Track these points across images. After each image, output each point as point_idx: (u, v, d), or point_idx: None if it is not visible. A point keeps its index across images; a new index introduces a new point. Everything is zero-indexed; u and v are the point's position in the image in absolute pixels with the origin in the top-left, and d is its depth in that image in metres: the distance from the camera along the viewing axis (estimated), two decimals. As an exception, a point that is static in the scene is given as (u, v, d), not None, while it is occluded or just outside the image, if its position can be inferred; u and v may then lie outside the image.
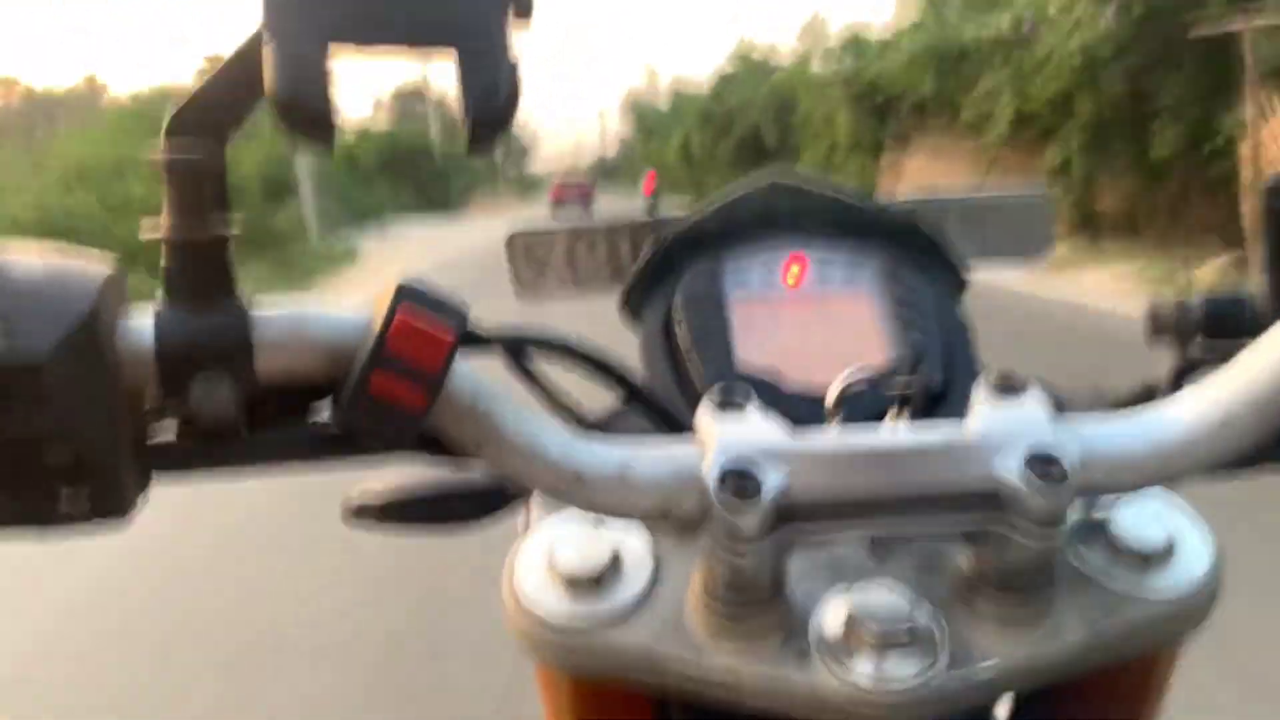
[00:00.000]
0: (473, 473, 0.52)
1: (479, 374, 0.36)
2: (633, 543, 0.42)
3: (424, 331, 0.33)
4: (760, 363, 0.53)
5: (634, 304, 0.60)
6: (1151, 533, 0.41)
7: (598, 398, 0.52)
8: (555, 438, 0.37)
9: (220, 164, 0.34)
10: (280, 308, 0.35)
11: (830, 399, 0.45)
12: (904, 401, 0.44)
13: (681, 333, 0.55)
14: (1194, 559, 0.41)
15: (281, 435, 0.36)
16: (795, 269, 0.57)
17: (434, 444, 0.37)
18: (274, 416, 0.36)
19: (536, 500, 0.47)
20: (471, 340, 0.39)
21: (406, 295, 0.33)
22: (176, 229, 0.33)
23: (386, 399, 0.33)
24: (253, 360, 0.34)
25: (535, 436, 0.36)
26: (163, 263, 0.33)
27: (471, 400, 0.35)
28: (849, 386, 0.46)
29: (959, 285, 0.60)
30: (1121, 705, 0.46)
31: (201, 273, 0.34)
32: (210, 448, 0.35)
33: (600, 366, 0.43)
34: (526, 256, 0.67)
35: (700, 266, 0.58)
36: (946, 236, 0.61)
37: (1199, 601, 0.40)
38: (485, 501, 0.50)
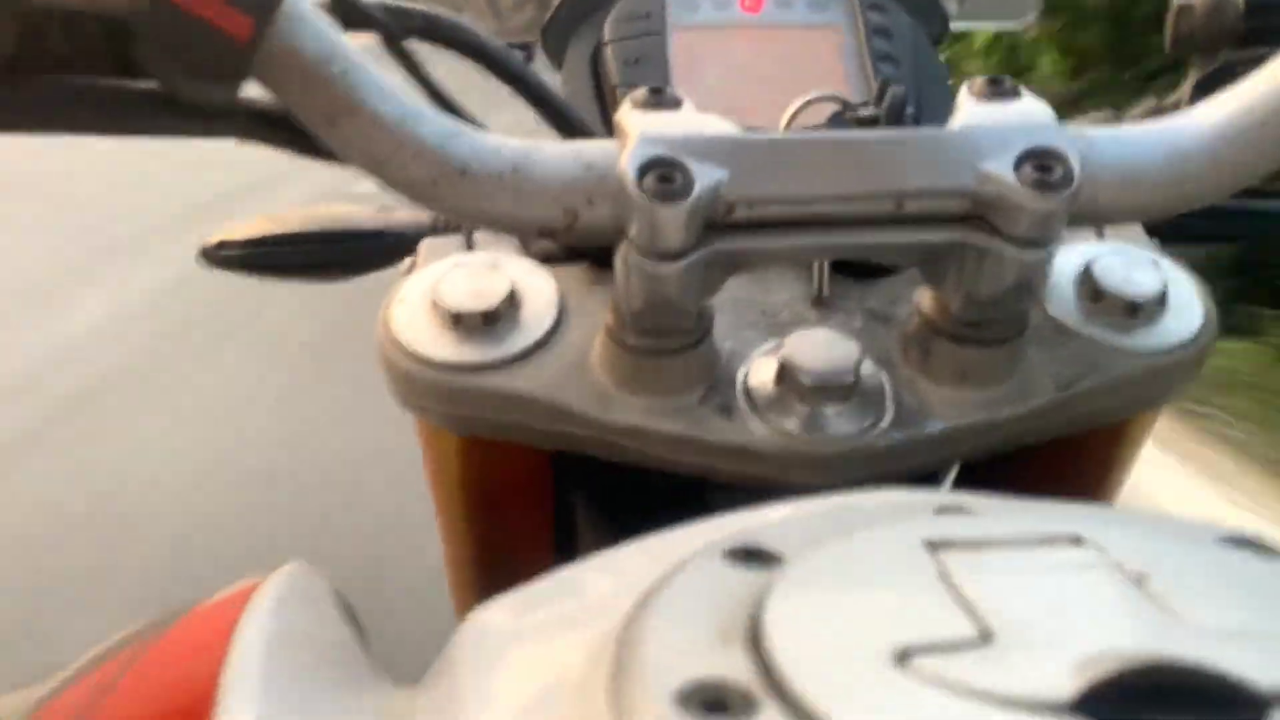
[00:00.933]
0: (358, 220, 0.44)
1: (338, 35, 0.28)
2: (536, 284, 0.36)
3: None
4: (704, 99, 0.44)
5: (557, 39, 0.51)
6: (1143, 279, 0.35)
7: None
8: (435, 121, 0.29)
9: None
10: None
11: (783, 123, 0.38)
12: (871, 125, 0.37)
13: (612, 63, 0.46)
14: (1185, 311, 0.35)
15: (71, 88, 0.28)
16: None
17: (277, 122, 0.29)
18: (60, 58, 0.28)
19: (427, 245, 0.39)
20: (343, 8, 0.31)
21: None
22: None
23: (202, 17, 0.25)
24: None
25: (408, 115, 0.28)
26: None
27: (322, 55, 0.27)
28: (803, 112, 0.38)
29: (940, 27, 0.52)
30: (1085, 472, 0.42)
31: None
32: None
33: (498, 62, 0.35)
34: None
35: None
36: None
37: (1188, 358, 0.35)
38: (370, 247, 0.43)
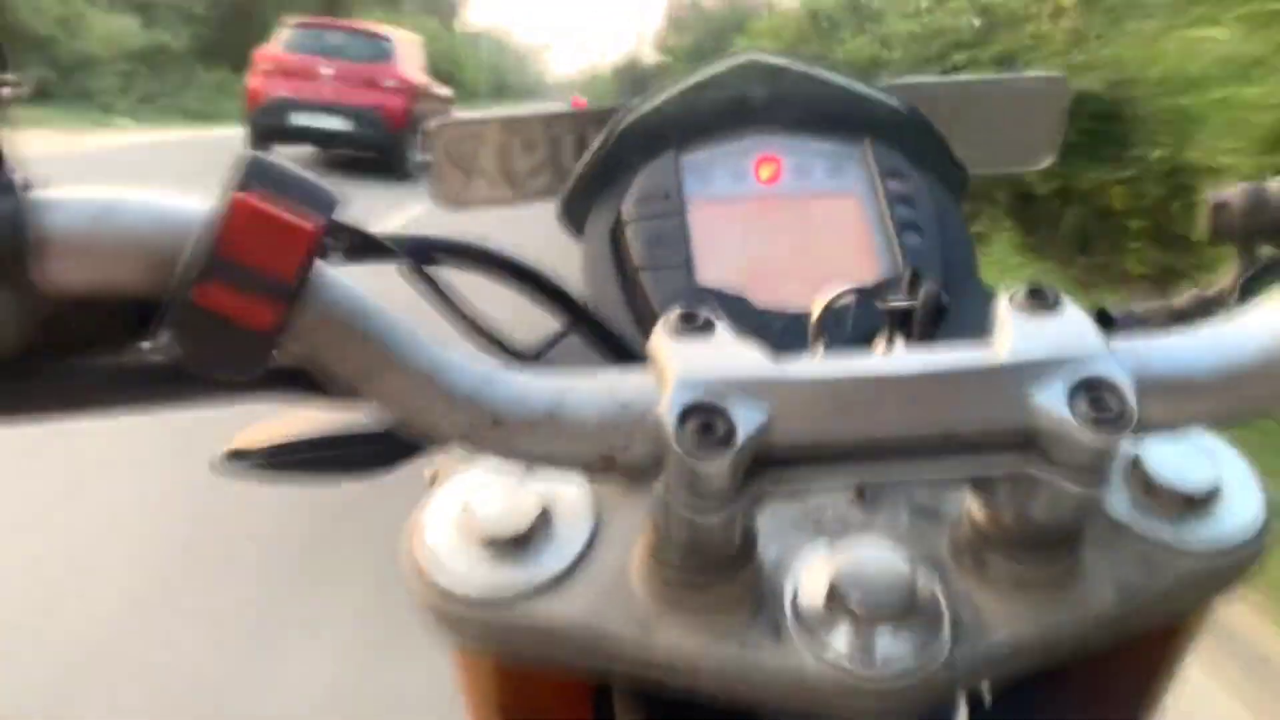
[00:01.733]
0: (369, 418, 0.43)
1: (361, 289, 0.27)
2: (567, 495, 0.34)
3: (274, 219, 0.24)
4: (727, 277, 0.44)
5: (576, 211, 0.51)
6: (1195, 471, 0.34)
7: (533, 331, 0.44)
8: (465, 369, 0.28)
9: None
10: (78, 190, 0.26)
11: (814, 318, 0.37)
12: (902, 320, 0.36)
13: (632, 243, 0.46)
14: (1241, 503, 0.34)
15: (87, 368, 0.27)
16: (770, 167, 0.49)
17: (302, 379, 0.29)
18: (80, 341, 0.27)
19: (451, 448, 0.38)
20: (358, 246, 0.30)
21: (251, 173, 0.24)
22: None
23: (223, 315, 0.24)
24: (33, 261, 0.25)
25: (438, 367, 0.28)
26: None
27: (349, 318, 0.26)
28: (836, 301, 0.37)
29: (960, 185, 0.51)
30: (1135, 675, 0.40)
31: None
32: None
33: (529, 278, 0.35)
34: (450, 155, 0.57)
35: (656, 163, 0.48)
36: (942, 133, 0.52)
37: (1246, 553, 0.33)
38: (391, 447, 0.42)
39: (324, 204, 0.25)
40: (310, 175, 0.25)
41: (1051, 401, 0.27)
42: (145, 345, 0.27)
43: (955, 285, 0.44)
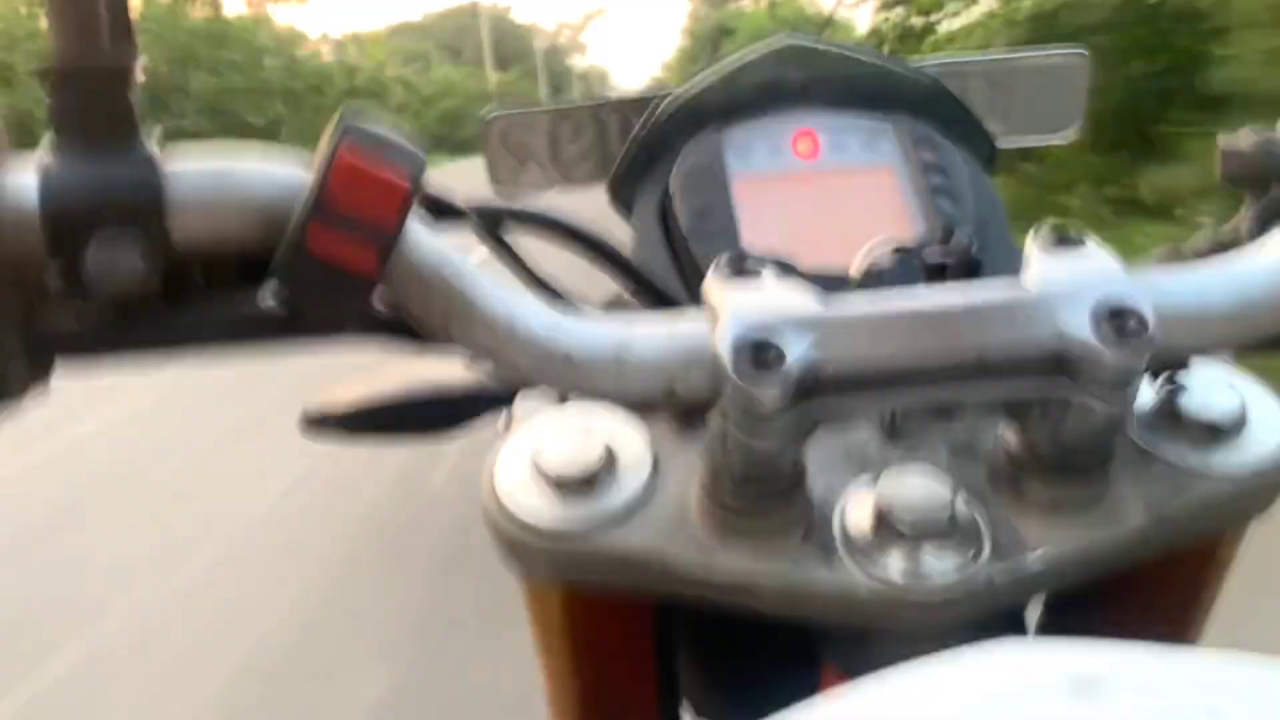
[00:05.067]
0: (452, 378, 0.46)
1: (448, 244, 0.31)
2: (628, 438, 0.37)
3: (372, 175, 0.27)
4: (771, 243, 0.47)
5: (624, 190, 0.54)
6: (1222, 401, 0.36)
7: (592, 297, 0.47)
8: (540, 314, 0.31)
9: None
10: (202, 156, 0.29)
11: (855, 271, 0.40)
12: (939, 272, 0.38)
13: (680, 216, 0.49)
14: (1267, 431, 0.36)
15: (208, 312, 0.31)
16: (806, 143, 0.51)
17: (395, 325, 0.32)
18: (199, 290, 0.30)
19: (520, 402, 0.41)
20: (438, 209, 0.34)
21: (350, 132, 0.28)
22: (65, 55, 0.27)
23: (330, 260, 0.27)
24: (164, 219, 0.28)
25: (516, 312, 0.31)
26: (48, 99, 0.27)
27: (435, 267, 0.30)
28: (876, 257, 0.40)
29: (989, 155, 0.54)
30: (1174, 598, 0.42)
31: (98, 111, 0.28)
32: (118, 326, 0.29)
33: (589, 242, 0.38)
34: (504, 143, 0.61)
35: (699, 141, 0.51)
36: (972, 107, 0.54)
37: (1272, 478, 0.35)
38: (465, 407, 0.45)
39: (413, 161, 0.28)
40: (400, 135, 0.28)
41: (1077, 326, 0.29)
42: (260, 294, 0.30)
43: (988, 246, 0.46)
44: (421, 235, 0.30)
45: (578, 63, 64.91)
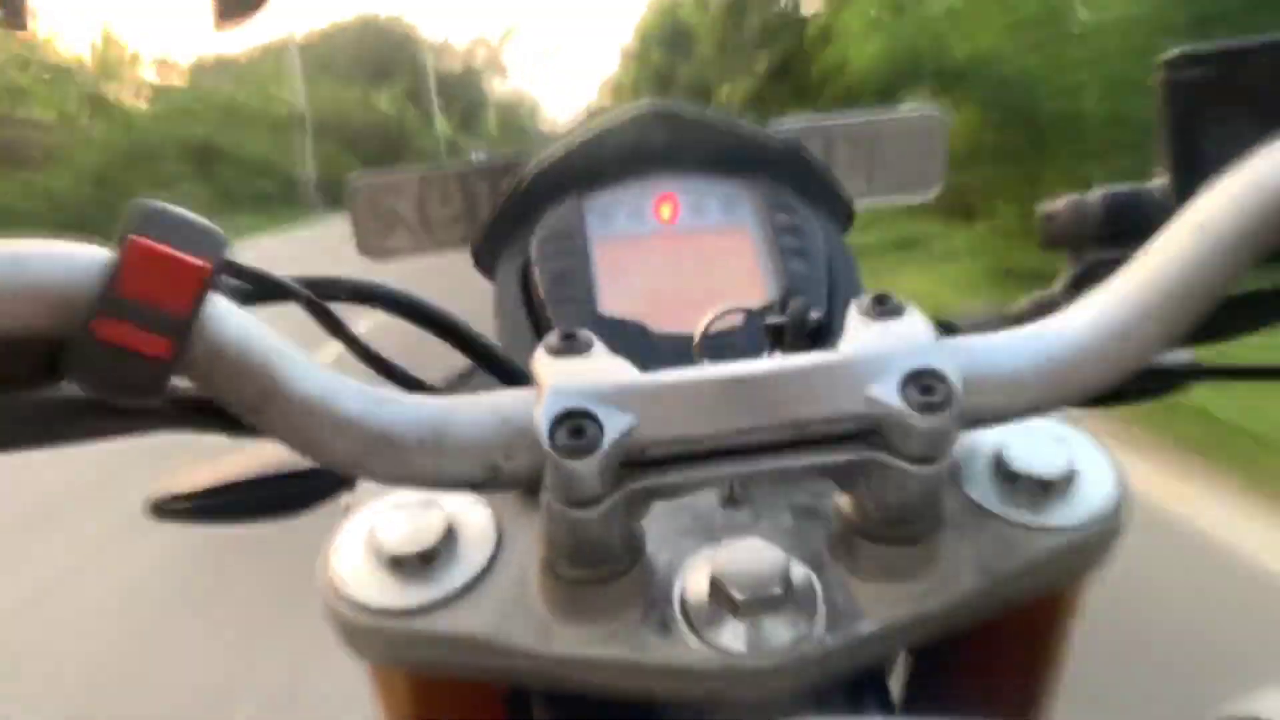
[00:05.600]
0: (295, 461, 0.45)
1: (257, 321, 0.30)
2: (472, 516, 0.37)
3: (166, 259, 0.27)
4: (627, 307, 0.47)
5: (488, 253, 0.54)
6: (1049, 458, 0.37)
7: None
8: (354, 395, 0.30)
9: None
10: None
11: (696, 337, 0.40)
12: (778, 336, 0.39)
13: (539, 281, 0.49)
14: (1097, 486, 0.37)
15: (6, 405, 0.29)
16: (667, 207, 0.52)
17: (209, 412, 0.31)
18: None
19: (363, 485, 0.40)
20: (265, 290, 0.33)
21: (143, 220, 0.27)
22: None
23: (122, 346, 0.27)
24: None
25: (328, 393, 0.30)
26: None
27: (241, 349, 0.29)
28: (716, 322, 0.40)
29: (846, 216, 0.55)
30: (1022, 654, 0.42)
31: None
32: None
33: (423, 315, 0.37)
34: (371, 207, 0.60)
35: (560, 207, 0.52)
36: (832, 167, 0.56)
37: (1104, 532, 0.36)
38: (313, 487, 0.44)
39: (214, 243, 0.28)
40: (199, 218, 0.28)
41: (886, 392, 0.30)
42: (57, 384, 0.29)
43: (838, 308, 0.47)
44: (227, 316, 0.29)
45: (497, 87, 56.16)
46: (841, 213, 0.55)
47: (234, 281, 0.31)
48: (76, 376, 0.27)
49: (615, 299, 0.48)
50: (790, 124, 0.61)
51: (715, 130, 0.54)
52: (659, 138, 0.54)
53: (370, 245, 0.61)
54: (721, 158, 0.53)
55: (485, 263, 0.54)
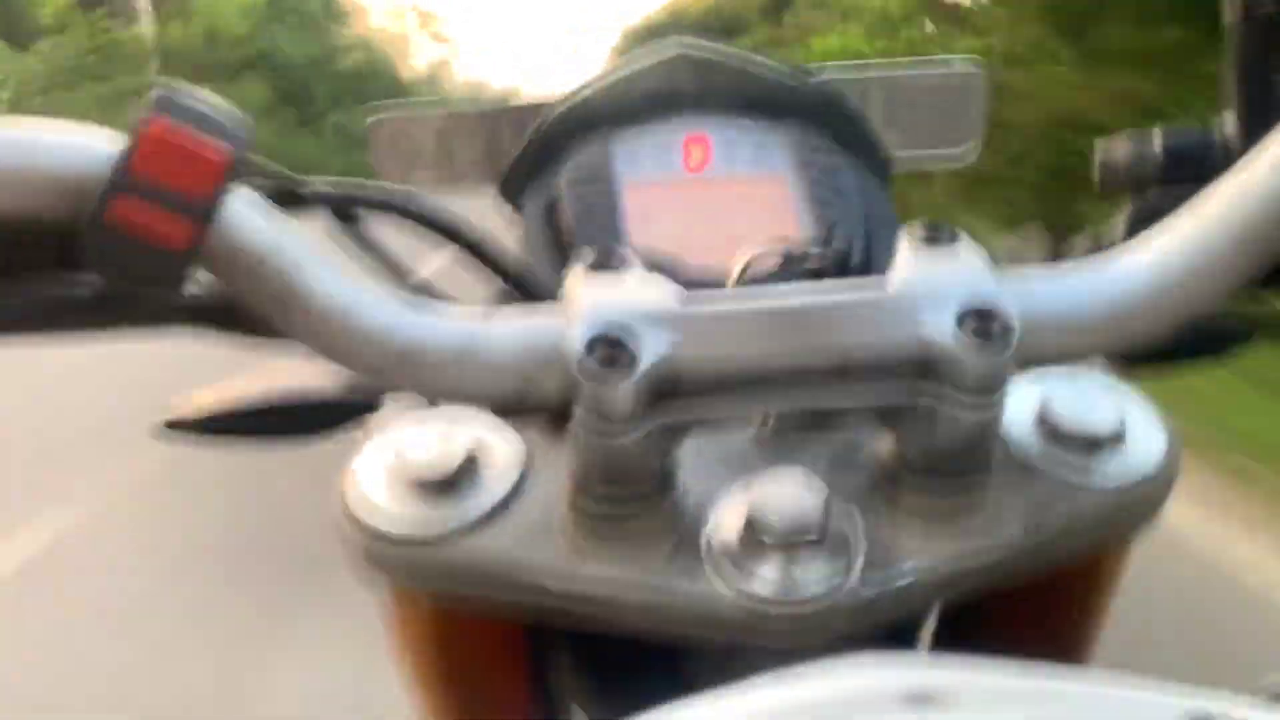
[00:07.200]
0: (319, 383, 0.44)
1: (282, 224, 0.28)
2: (498, 440, 0.35)
3: (185, 145, 0.25)
4: (657, 247, 0.45)
5: (514, 191, 0.52)
6: (1100, 413, 0.35)
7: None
8: (380, 305, 0.29)
9: None
10: (2, 125, 0.27)
11: (732, 276, 0.39)
12: (816, 276, 0.37)
13: (566, 218, 0.47)
14: (1147, 443, 0.35)
15: (15, 296, 0.28)
16: (697, 151, 0.50)
17: (225, 316, 0.29)
18: (5, 272, 0.28)
19: (386, 408, 0.39)
20: (280, 192, 0.31)
21: (162, 102, 0.25)
22: None
23: (138, 234, 0.25)
24: None
25: (352, 302, 0.28)
26: None
27: (263, 247, 0.27)
28: (754, 261, 0.39)
29: (884, 171, 0.53)
30: (1063, 615, 0.41)
31: None
32: None
33: (450, 231, 0.36)
34: (392, 144, 0.58)
35: (588, 146, 0.50)
36: (869, 120, 0.54)
37: (1153, 490, 0.35)
38: (330, 412, 0.42)
39: (235, 133, 0.26)
40: (223, 102, 0.26)
41: (940, 328, 0.28)
42: (71, 274, 0.28)
43: (878, 257, 0.45)
44: (250, 214, 0.27)
45: (420, 64, 37.27)
46: (880, 164, 0.53)
47: (256, 179, 0.29)
48: (92, 262, 0.26)
49: (645, 239, 0.46)
50: (828, 71, 0.59)
51: (748, 73, 0.53)
52: (690, 80, 0.52)
53: (390, 180, 0.59)
54: (755, 101, 0.51)
55: (512, 197, 0.52)
